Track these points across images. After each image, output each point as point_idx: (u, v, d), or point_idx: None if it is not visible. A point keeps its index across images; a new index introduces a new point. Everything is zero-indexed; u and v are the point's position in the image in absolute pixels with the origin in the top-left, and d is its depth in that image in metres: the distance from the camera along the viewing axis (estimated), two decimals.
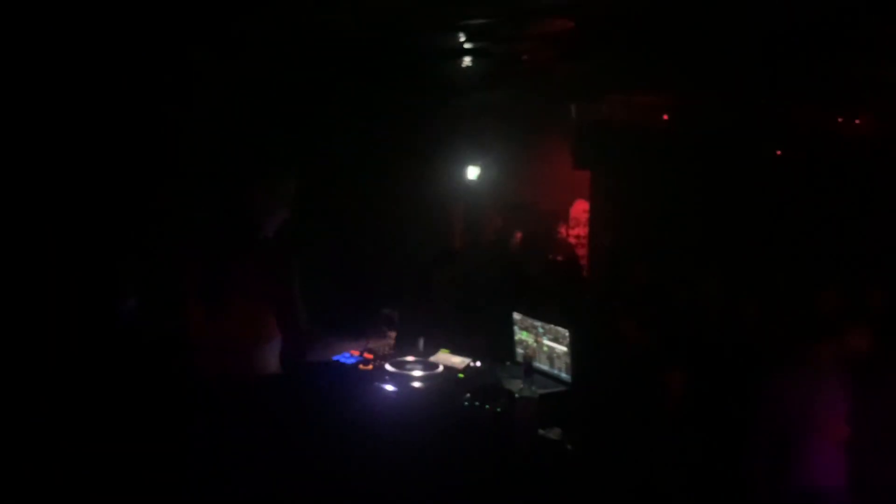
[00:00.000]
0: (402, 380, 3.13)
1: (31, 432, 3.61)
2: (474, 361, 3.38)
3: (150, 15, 3.86)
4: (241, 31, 4.25)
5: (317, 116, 5.34)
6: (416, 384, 3.10)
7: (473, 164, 7.54)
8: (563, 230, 8.06)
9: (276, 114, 4.94)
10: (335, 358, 3.18)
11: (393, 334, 3.28)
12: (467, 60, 5.31)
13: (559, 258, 7.02)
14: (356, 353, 3.31)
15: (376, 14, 3.94)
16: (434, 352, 3.51)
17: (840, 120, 6.53)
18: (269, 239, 2.65)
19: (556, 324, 3.29)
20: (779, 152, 6.85)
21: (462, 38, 4.72)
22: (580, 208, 8.06)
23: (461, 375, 3.22)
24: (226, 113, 4.74)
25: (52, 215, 4.24)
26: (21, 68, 3.98)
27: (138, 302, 4.09)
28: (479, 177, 7.64)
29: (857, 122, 6.50)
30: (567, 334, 3.22)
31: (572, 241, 8.02)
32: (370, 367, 3.25)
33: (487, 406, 2.92)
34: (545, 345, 3.35)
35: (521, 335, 3.54)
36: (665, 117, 6.88)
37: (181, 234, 2.87)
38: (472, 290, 4.52)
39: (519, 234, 7.02)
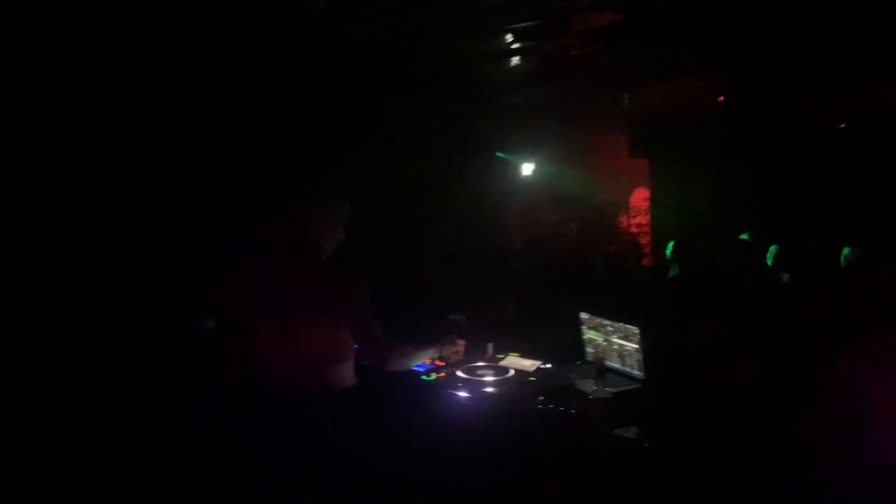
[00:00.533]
0: (474, 386, 3.17)
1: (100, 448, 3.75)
2: (544, 363, 3.39)
3: (211, 43, 3.98)
4: (290, 50, 4.34)
5: (369, 130, 5.42)
6: (489, 389, 3.14)
7: (527, 160, 7.52)
8: (623, 220, 8.00)
9: (330, 131, 5.04)
10: (413, 368, 3.24)
11: (462, 342, 3.34)
12: (515, 60, 5.30)
13: (620, 249, 6.97)
14: (428, 362, 3.37)
15: (420, 25, 3.98)
16: (504, 355, 3.54)
17: None
18: (331, 259, 2.73)
19: (626, 321, 3.28)
20: (843, 125, 6.62)
21: (509, 40, 4.71)
22: (640, 197, 7.97)
23: (532, 378, 3.23)
24: (285, 139, 4.86)
25: (114, 234, 4.42)
26: (86, 89, 4.14)
27: (215, 324, 4.23)
28: (534, 172, 7.63)
29: None
30: (637, 331, 3.20)
31: (633, 230, 7.94)
32: (442, 374, 3.30)
33: (561, 408, 2.93)
34: (615, 343, 3.34)
35: (589, 334, 3.54)
36: (721, 99, 6.73)
37: (249, 258, 2.97)
38: (535, 291, 4.54)
39: (577, 227, 7.01)
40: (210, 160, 4.66)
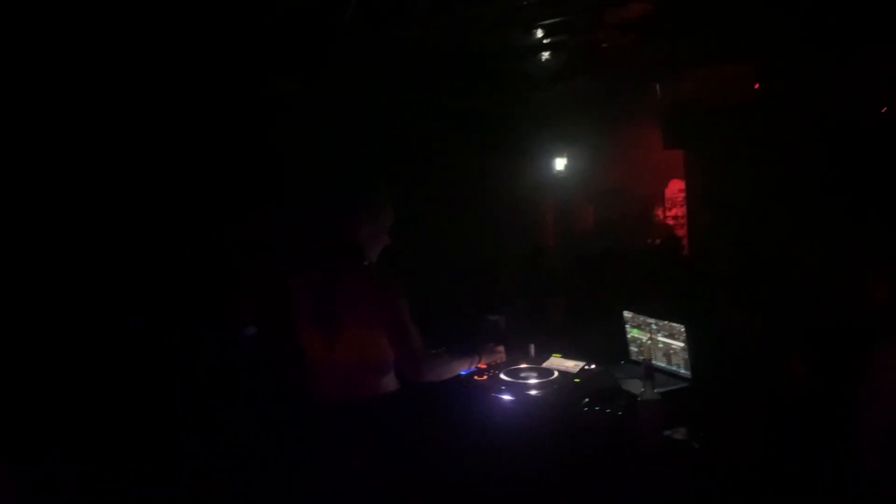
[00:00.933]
0: (518, 388, 3.12)
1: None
2: (588, 364, 3.33)
3: (254, 51, 4.02)
4: (327, 57, 4.35)
5: (406, 132, 5.41)
6: (533, 392, 3.09)
7: (560, 155, 7.47)
8: (659, 212, 7.90)
9: (371, 136, 5.05)
10: None
11: (501, 347, 3.30)
12: (546, 55, 5.26)
13: (658, 241, 6.88)
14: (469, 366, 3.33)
15: (454, 24, 3.96)
16: (546, 357, 3.49)
17: None
18: (374, 264, 2.71)
19: (671, 319, 3.21)
20: (885, 109, 6.43)
21: (540, 34, 4.68)
22: (675, 188, 7.87)
23: (577, 380, 3.18)
24: (330, 143, 4.88)
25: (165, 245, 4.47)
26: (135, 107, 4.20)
27: (257, 329, 4.25)
28: (567, 167, 7.56)
29: None
30: (683, 329, 3.14)
31: (670, 222, 7.84)
32: (484, 377, 3.26)
33: (608, 410, 2.88)
34: (660, 341, 3.28)
35: (633, 333, 3.48)
36: (756, 86, 6.60)
37: (294, 263, 2.97)
38: (575, 289, 4.48)
39: (614, 222, 6.93)
40: (255, 167, 4.70)
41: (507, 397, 3.08)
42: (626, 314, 3.50)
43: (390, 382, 2.69)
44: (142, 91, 4.24)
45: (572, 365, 3.34)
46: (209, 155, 4.54)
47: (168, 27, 3.64)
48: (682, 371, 3.18)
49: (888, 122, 6.44)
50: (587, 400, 2.96)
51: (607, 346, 3.58)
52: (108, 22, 3.54)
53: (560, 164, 7.46)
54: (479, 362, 3.18)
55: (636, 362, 3.44)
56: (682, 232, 7.57)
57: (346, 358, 2.61)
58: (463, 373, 3.26)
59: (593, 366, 3.32)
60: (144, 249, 4.48)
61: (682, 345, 3.15)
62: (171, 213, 4.52)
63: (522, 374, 3.24)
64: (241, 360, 4.18)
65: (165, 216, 4.51)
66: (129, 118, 4.27)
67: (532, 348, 3.51)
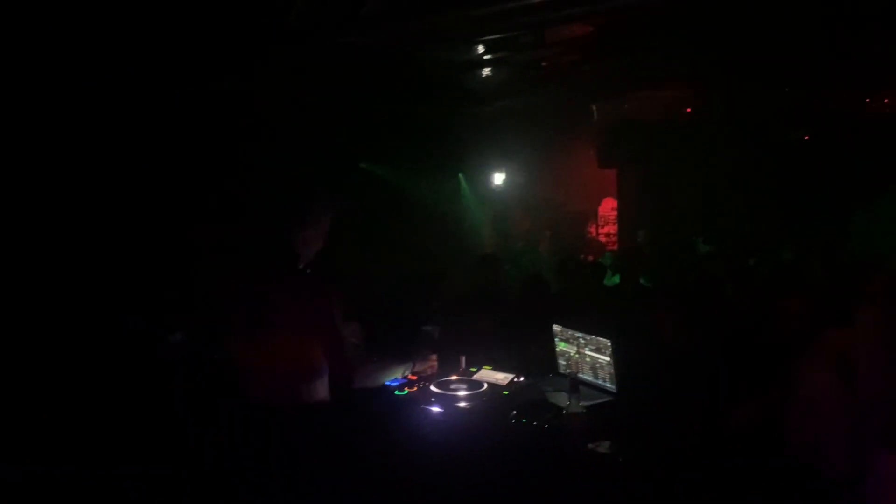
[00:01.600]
0: (447, 400, 3.13)
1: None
2: (518, 376, 3.36)
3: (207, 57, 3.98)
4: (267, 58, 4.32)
5: (346, 141, 5.41)
6: (462, 404, 3.10)
7: (498, 169, 7.55)
8: (592, 229, 8.07)
9: (311, 144, 5.03)
10: (386, 383, 3.20)
11: (434, 356, 3.31)
12: (486, 70, 5.32)
13: (590, 258, 7.01)
14: (400, 376, 3.33)
15: (400, 36, 3.97)
16: (477, 369, 3.51)
17: (868, 101, 6.41)
18: (307, 270, 2.69)
19: (598, 334, 3.28)
20: (806, 137, 6.76)
21: (481, 50, 4.73)
22: (608, 206, 8.05)
23: (506, 392, 3.21)
24: (269, 149, 4.84)
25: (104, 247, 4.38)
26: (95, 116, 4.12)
27: (185, 334, 4.16)
28: (505, 181, 7.66)
29: (885, 101, 6.38)
30: (609, 344, 3.21)
31: (602, 239, 8.01)
32: (415, 388, 3.26)
33: (535, 422, 2.92)
34: (587, 355, 3.34)
35: (561, 346, 3.54)
36: (688, 111, 6.83)
37: (227, 267, 2.92)
38: (507, 302, 4.53)
39: (550, 236, 7.03)
40: (196, 169, 4.63)
41: (436, 409, 3.08)
42: (556, 327, 3.55)
43: (320, 389, 2.67)
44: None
45: (502, 377, 3.37)
46: (153, 154, 4.48)
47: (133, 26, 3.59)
48: (608, 385, 3.24)
49: (814, 144, 6.76)
50: (515, 412, 2.99)
51: (538, 359, 3.62)
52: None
53: (498, 178, 7.55)
54: (412, 370, 3.18)
55: (564, 375, 3.49)
56: (612, 248, 7.74)
57: (275, 362, 2.57)
58: (393, 382, 3.25)
59: (522, 378, 3.35)
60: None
61: (608, 359, 3.22)
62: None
63: (452, 386, 3.25)
64: (170, 365, 4.10)
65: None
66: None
67: (463, 360, 3.52)
